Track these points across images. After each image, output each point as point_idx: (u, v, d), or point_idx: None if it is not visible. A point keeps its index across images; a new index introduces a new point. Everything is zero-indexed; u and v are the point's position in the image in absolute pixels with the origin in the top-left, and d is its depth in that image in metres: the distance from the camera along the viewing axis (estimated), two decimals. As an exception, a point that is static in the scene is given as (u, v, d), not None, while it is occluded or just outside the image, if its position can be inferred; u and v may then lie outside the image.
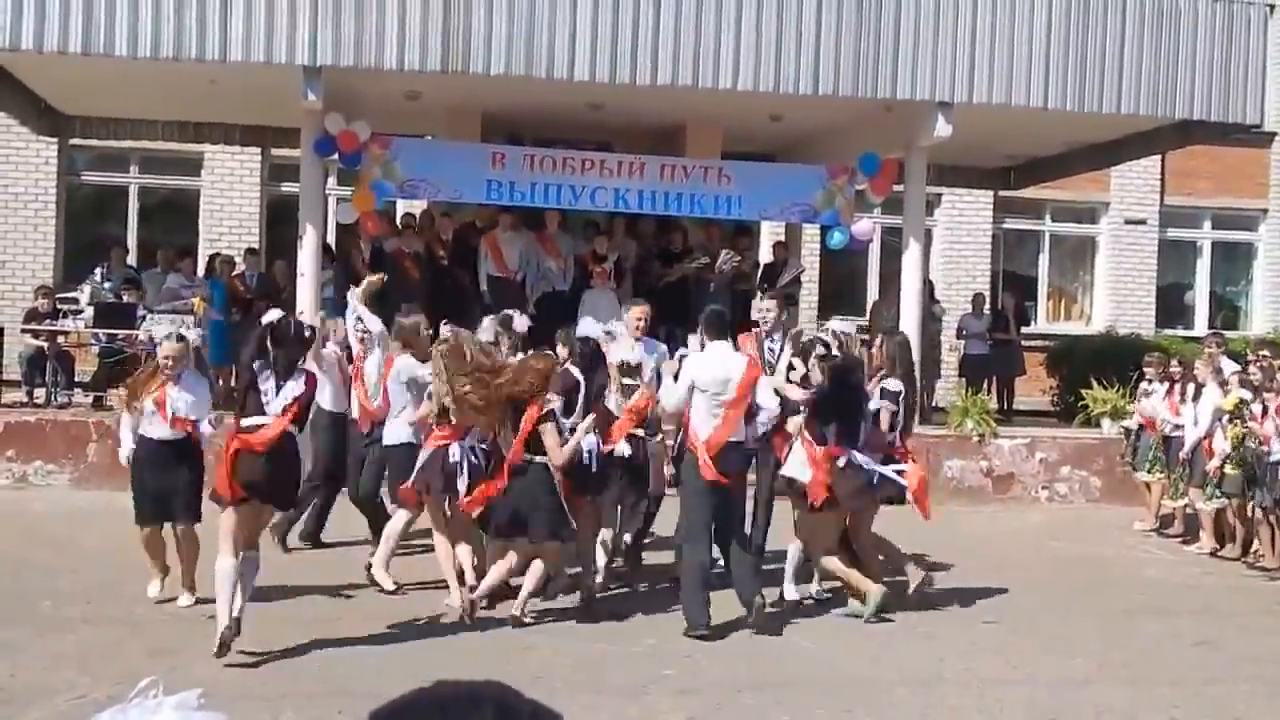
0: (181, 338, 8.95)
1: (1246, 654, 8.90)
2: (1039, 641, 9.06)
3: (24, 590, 9.34)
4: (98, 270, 17.07)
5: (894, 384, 9.68)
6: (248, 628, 7.89)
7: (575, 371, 9.38)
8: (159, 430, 8.84)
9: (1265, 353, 13.15)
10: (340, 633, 8.54)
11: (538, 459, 8.86)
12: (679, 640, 8.64)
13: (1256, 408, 12.22)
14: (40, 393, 15.51)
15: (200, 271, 17.76)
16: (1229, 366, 13.41)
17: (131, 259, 20.03)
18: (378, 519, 10.52)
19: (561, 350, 9.67)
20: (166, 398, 8.76)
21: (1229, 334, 17.62)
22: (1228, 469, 12.44)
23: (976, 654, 8.60)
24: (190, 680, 6.96)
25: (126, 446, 9.13)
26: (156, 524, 9.05)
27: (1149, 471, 14.00)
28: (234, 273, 17.23)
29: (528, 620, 8.87)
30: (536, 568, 8.92)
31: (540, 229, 16.49)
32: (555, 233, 16.50)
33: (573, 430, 9.07)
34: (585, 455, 9.19)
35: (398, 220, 17.11)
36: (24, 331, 16.10)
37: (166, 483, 8.88)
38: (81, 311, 15.60)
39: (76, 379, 16.00)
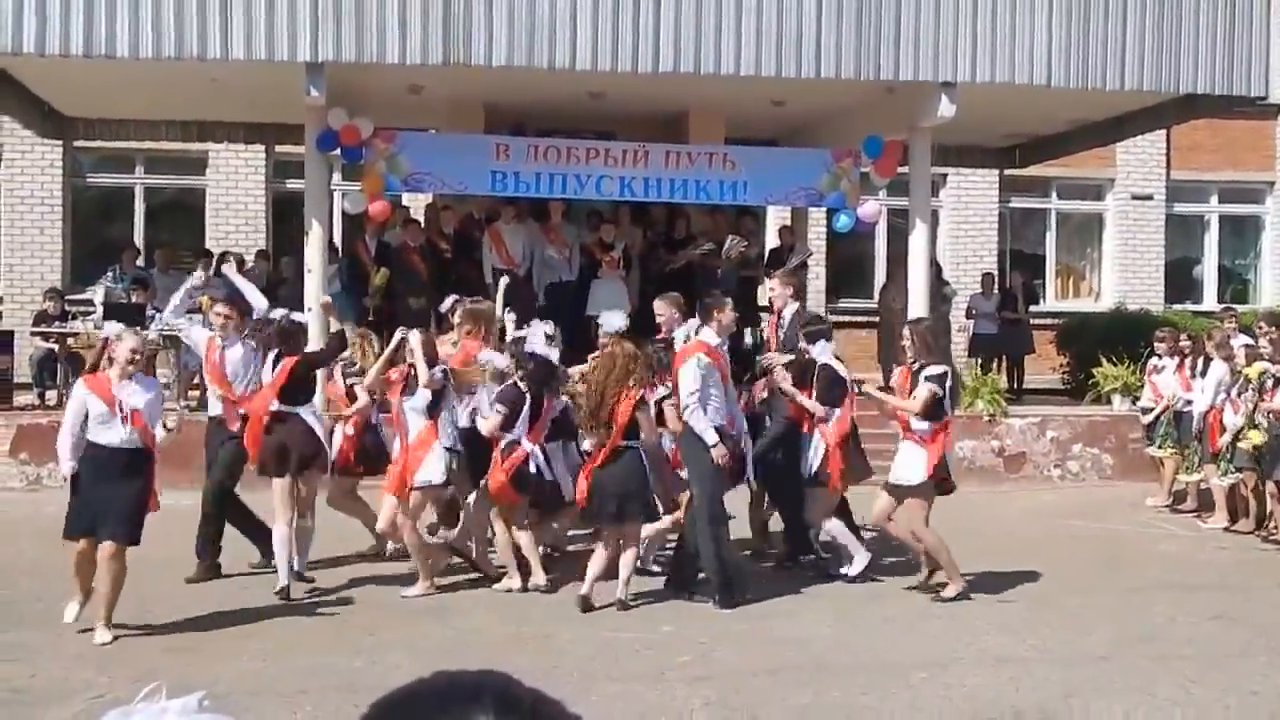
0: (138, 332, 8.68)
1: (1263, 627, 8.90)
2: (1055, 619, 9.06)
3: (41, 592, 9.36)
4: (110, 272, 17.10)
5: (936, 369, 9.63)
6: (261, 624, 7.91)
7: (521, 386, 9.59)
8: (112, 436, 8.09)
9: (1263, 325, 13.13)
10: (357, 628, 8.58)
11: (631, 443, 9.11)
12: (695, 627, 8.66)
13: (1268, 381, 12.20)
14: (51, 395, 15.58)
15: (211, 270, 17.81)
16: (1241, 340, 13.39)
17: (140, 260, 20.09)
18: (222, 521, 10.11)
19: (510, 362, 9.80)
20: (117, 397, 8.09)
21: (1239, 308, 17.60)
22: (1240, 443, 12.43)
23: (993, 633, 8.60)
24: (209, 677, 7.01)
25: (68, 461, 8.21)
26: (89, 536, 8.11)
27: (1160, 447, 13.99)
28: (244, 270, 17.21)
29: (632, 603, 9.15)
30: (630, 555, 9.24)
31: (544, 220, 16.50)
32: (559, 223, 16.51)
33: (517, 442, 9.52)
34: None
35: (399, 214, 17.10)
36: (34, 334, 16.16)
37: (109, 493, 8.06)
38: (94, 312, 15.66)
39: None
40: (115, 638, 8.03)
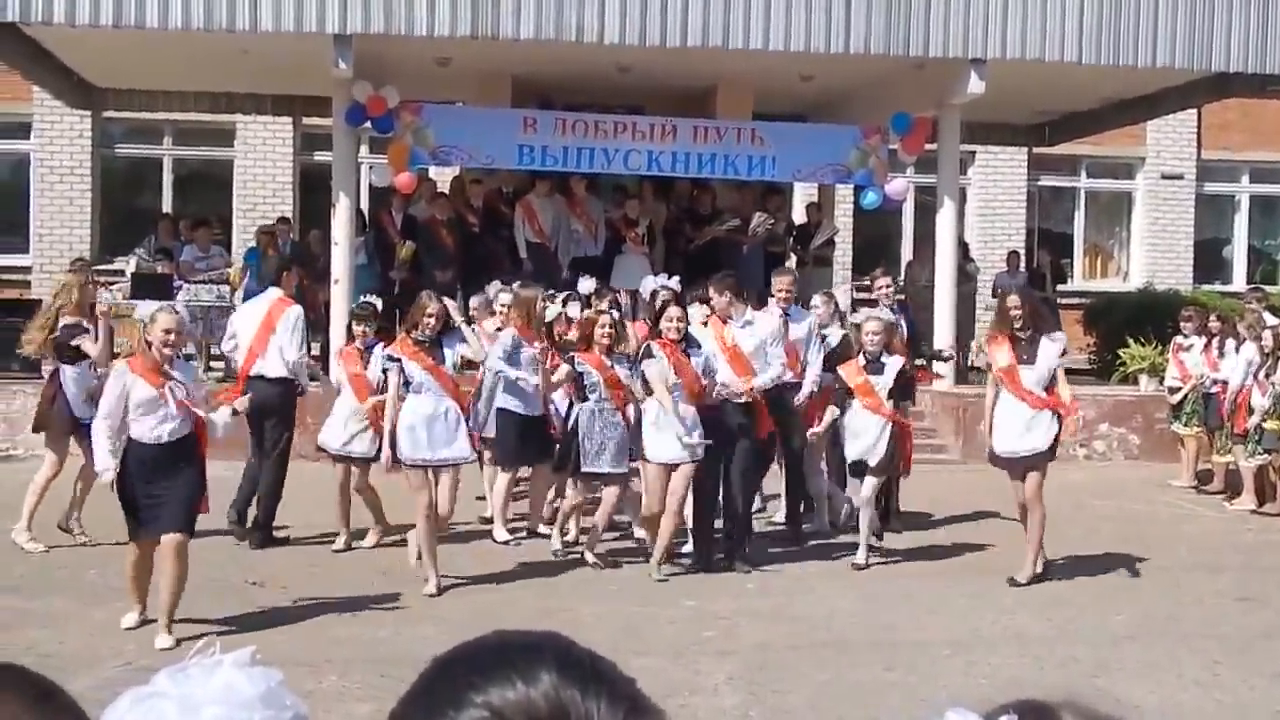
0: (176, 310, 7.94)
1: (1289, 609, 8.87)
2: (1081, 599, 9.05)
3: (69, 560, 9.44)
4: (145, 243, 17.10)
5: (1059, 333, 9.92)
6: (287, 597, 7.94)
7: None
8: (157, 430, 7.45)
9: None
10: (382, 602, 8.62)
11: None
12: (718, 603, 8.67)
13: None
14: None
15: (235, 243, 17.90)
16: (1270, 321, 13.32)
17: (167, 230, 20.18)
18: None
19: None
20: (166, 385, 7.43)
21: (1268, 289, 17.47)
22: (1268, 424, 12.36)
23: (1018, 612, 8.59)
24: (234, 647, 7.04)
25: (108, 457, 7.44)
26: (155, 536, 7.49)
27: (1186, 425, 13.93)
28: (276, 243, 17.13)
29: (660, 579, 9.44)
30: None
31: (569, 194, 16.48)
32: (585, 197, 16.48)
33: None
34: None
35: (426, 188, 17.07)
36: (62, 304, 16.20)
37: (163, 489, 7.45)
38: (123, 283, 15.73)
39: (117, 350, 16.09)
40: (178, 641, 7.28)
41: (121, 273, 16.32)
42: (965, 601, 8.87)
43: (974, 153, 22.52)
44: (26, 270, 20.63)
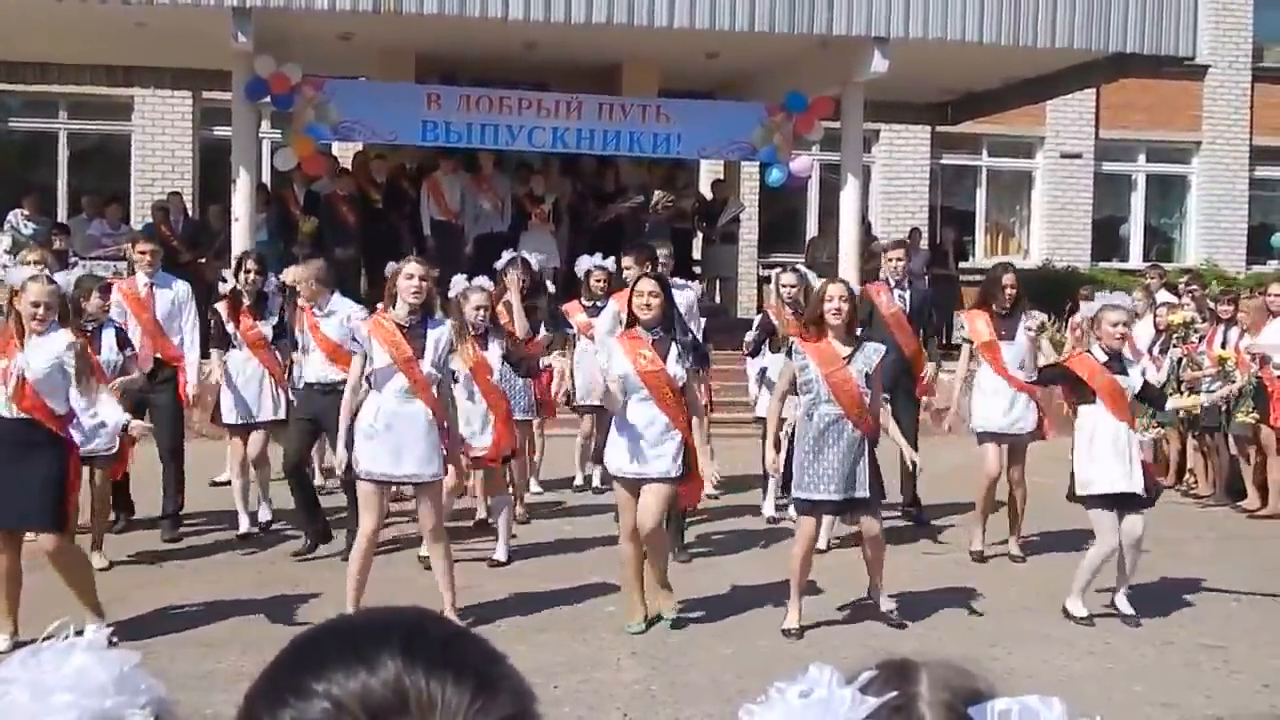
0: (52, 280, 7.01)
1: (1177, 580, 9.08)
2: (981, 571, 9.21)
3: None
4: (13, 215, 16.73)
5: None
6: (184, 578, 7.83)
7: None
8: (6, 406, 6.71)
9: (1193, 286, 13.30)
10: (282, 580, 8.54)
11: None
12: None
13: (1194, 336, 12.41)
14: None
15: (134, 219, 17.62)
16: (1163, 298, 13.59)
17: (63, 205, 19.82)
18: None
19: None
20: (13, 360, 6.64)
21: (1163, 265, 17.82)
22: (1171, 404, 12.60)
23: (917, 584, 8.70)
24: (138, 629, 6.95)
25: None
26: (4, 528, 6.87)
27: (1083, 400, 14.18)
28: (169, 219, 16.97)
29: None
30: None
31: (475, 170, 16.40)
32: (492, 174, 16.41)
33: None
34: None
35: (328, 164, 16.92)
36: (-47, 282, 15.88)
37: (15, 477, 6.68)
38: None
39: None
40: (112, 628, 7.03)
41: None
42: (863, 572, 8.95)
43: (878, 131, 22.73)
44: (-83, 247, 20.13)
